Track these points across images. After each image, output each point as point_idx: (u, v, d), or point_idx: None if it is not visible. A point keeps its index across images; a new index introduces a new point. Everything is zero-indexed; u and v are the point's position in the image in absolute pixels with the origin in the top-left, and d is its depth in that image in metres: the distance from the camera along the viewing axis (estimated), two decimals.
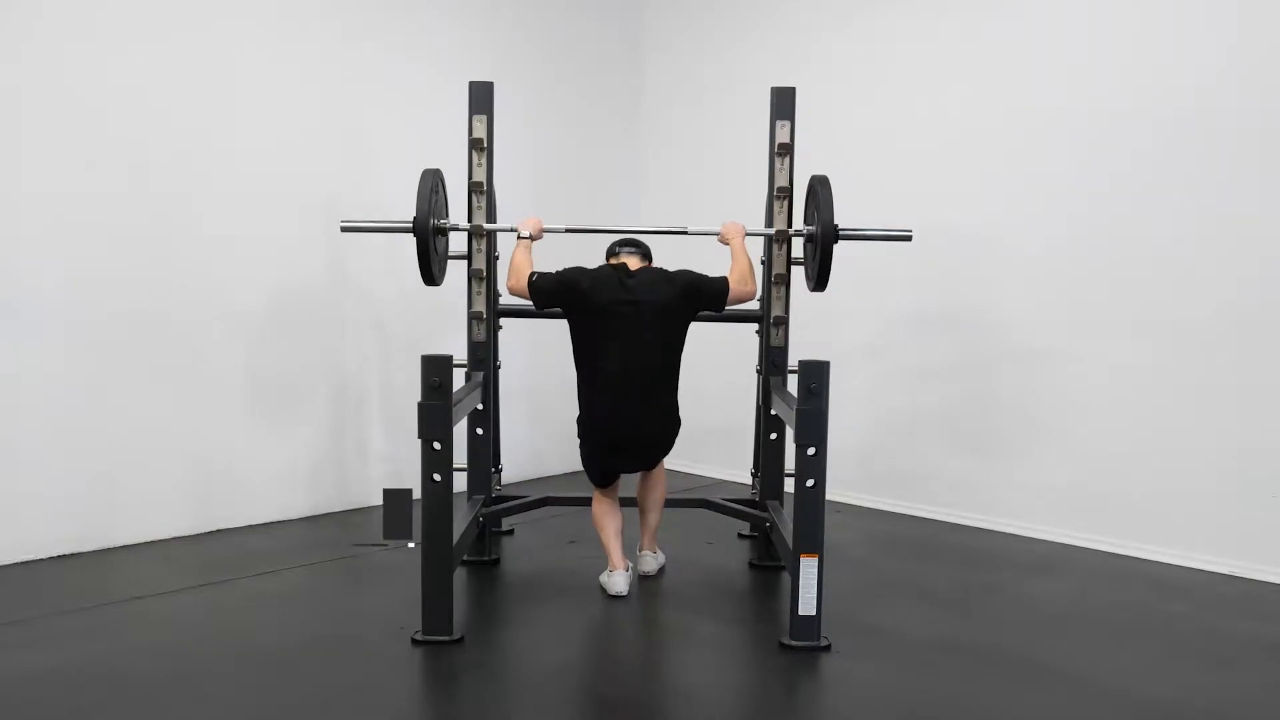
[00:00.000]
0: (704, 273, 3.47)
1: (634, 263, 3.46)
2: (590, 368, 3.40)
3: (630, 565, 3.57)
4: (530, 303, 3.48)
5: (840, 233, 3.47)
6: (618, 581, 3.46)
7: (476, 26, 5.18)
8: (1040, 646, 3.05)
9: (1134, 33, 4.10)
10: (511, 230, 3.52)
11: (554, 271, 3.44)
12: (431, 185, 3.49)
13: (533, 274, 3.41)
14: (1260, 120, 3.77)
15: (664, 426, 3.46)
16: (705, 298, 3.42)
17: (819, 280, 3.57)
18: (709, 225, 3.52)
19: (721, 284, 3.42)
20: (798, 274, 3.86)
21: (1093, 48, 4.22)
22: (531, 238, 3.49)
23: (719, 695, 2.77)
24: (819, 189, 3.52)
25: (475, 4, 5.20)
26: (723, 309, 3.47)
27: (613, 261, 3.48)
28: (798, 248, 3.85)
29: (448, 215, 3.74)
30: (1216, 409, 3.91)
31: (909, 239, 3.65)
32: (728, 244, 3.53)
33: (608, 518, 3.56)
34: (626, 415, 3.36)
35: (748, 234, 3.53)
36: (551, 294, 3.41)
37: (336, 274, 4.64)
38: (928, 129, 4.71)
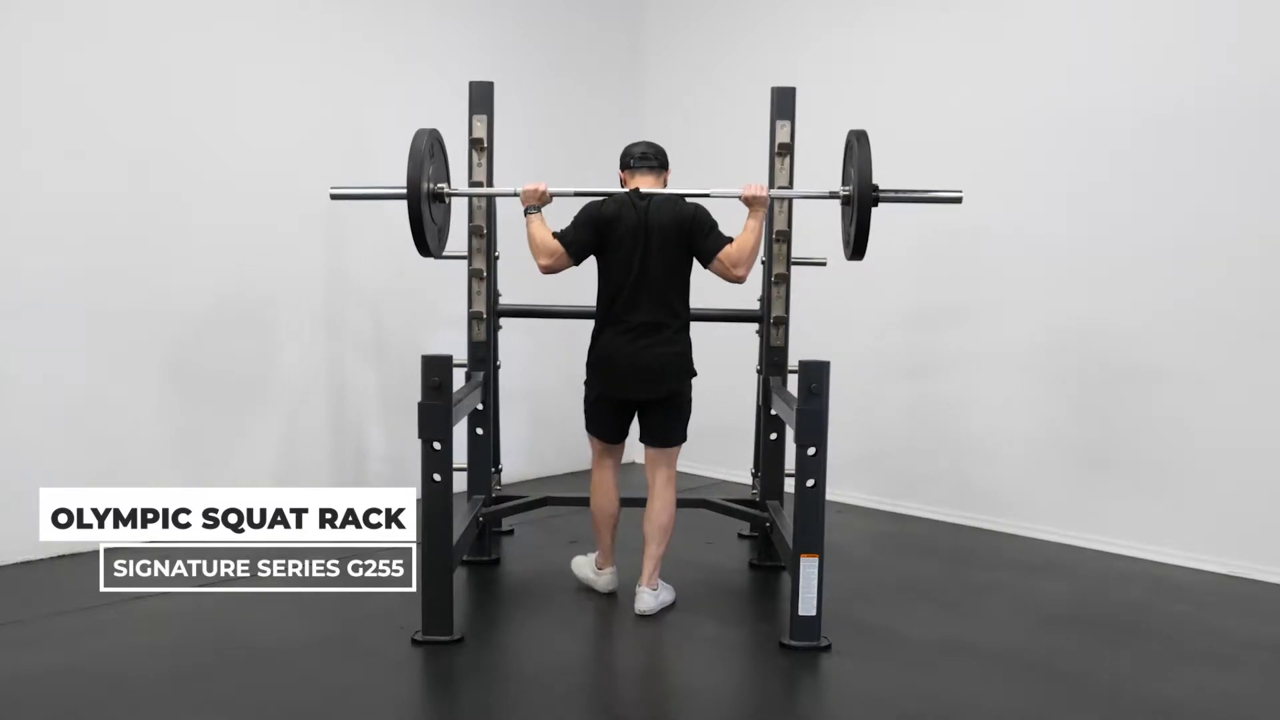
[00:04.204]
0: (719, 227, 3.24)
1: (648, 181, 3.26)
2: (607, 298, 3.25)
3: (615, 567, 3.47)
4: (559, 270, 3.24)
5: (880, 194, 3.13)
6: (605, 580, 3.42)
7: (476, 26, 5.18)
8: (1040, 646, 3.05)
9: (1134, 31, 4.10)
10: (514, 194, 3.30)
11: (571, 223, 3.25)
12: (427, 146, 3.20)
13: (555, 235, 3.20)
14: (1261, 119, 3.77)
15: (671, 354, 3.23)
16: (696, 242, 3.21)
17: (856, 247, 3.19)
18: (723, 208, 3.29)
19: (718, 246, 3.18)
20: (798, 273, 3.86)
21: (1093, 47, 4.21)
22: (540, 208, 3.23)
23: (719, 695, 2.77)
24: (855, 145, 3.16)
25: (475, 4, 5.20)
26: (705, 267, 3.23)
27: (626, 183, 3.28)
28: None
29: (449, 181, 3.49)
30: (1217, 408, 3.90)
31: (959, 200, 3.26)
32: (748, 206, 3.18)
33: (607, 507, 3.41)
34: (633, 338, 3.20)
35: (773, 196, 3.23)
36: (586, 242, 3.21)
37: (337, 273, 4.64)
38: (928, 128, 4.70)
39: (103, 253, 3.86)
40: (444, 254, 3.86)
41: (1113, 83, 4.15)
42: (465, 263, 3.85)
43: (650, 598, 3.30)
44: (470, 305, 3.85)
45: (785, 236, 3.79)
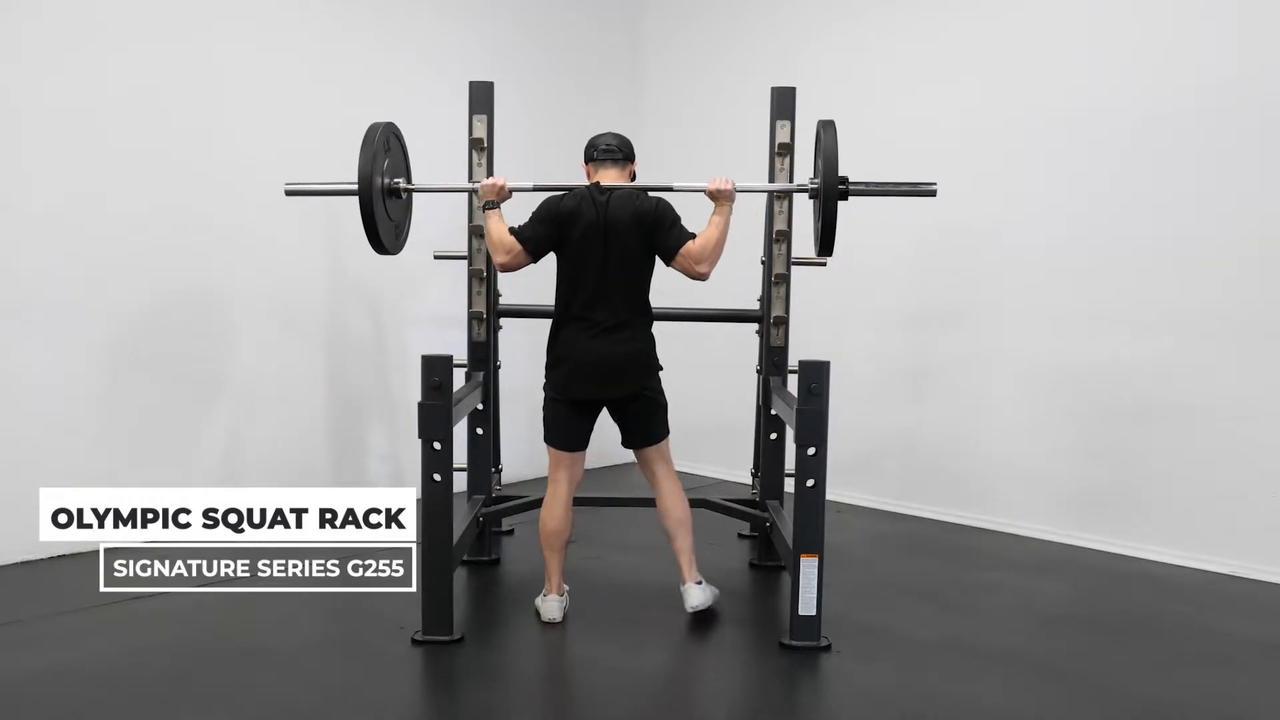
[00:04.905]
0: (682, 222, 3.10)
1: (611, 175, 3.14)
2: (566, 295, 3.13)
3: (567, 590, 3.31)
4: (517, 268, 3.14)
5: (850, 187, 3.00)
6: (552, 608, 3.20)
7: (476, 26, 5.18)
8: (1040, 646, 3.05)
9: (1135, 31, 4.10)
10: (473, 190, 3.20)
11: (529, 219, 3.13)
12: (381, 140, 3.08)
13: (512, 230, 3.09)
14: (1262, 119, 3.77)
15: (633, 351, 3.12)
16: (657, 239, 3.06)
17: (823, 243, 3.06)
18: (703, 210, 3.13)
19: (680, 242, 3.03)
20: (798, 273, 3.86)
21: (1094, 48, 4.21)
22: (499, 203, 3.12)
23: (719, 695, 2.77)
24: (821, 134, 3.01)
25: (475, 4, 5.21)
26: (667, 264, 3.10)
27: (590, 176, 3.17)
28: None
29: (408, 175, 3.36)
30: (1218, 407, 3.90)
31: (933, 194, 3.16)
32: (714, 200, 3.07)
33: (555, 527, 3.22)
34: (594, 335, 3.08)
35: (740, 190, 3.12)
36: (543, 238, 3.08)
37: (336, 274, 4.64)
38: (929, 128, 4.70)
39: (103, 252, 3.86)
40: (444, 254, 3.87)
41: (1113, 83, 4.14)
42: (465, 263, 3.85)
43: (698, 592, 3.21)
44: (470, 305, 3.85)
45: (785, 236, 3.79)
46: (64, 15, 3.72)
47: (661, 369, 3.25)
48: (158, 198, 4.00)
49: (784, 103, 3.78)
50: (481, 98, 3.78)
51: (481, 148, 3.76)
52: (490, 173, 3.77)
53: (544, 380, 3.26)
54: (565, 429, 3.22)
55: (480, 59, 4.89)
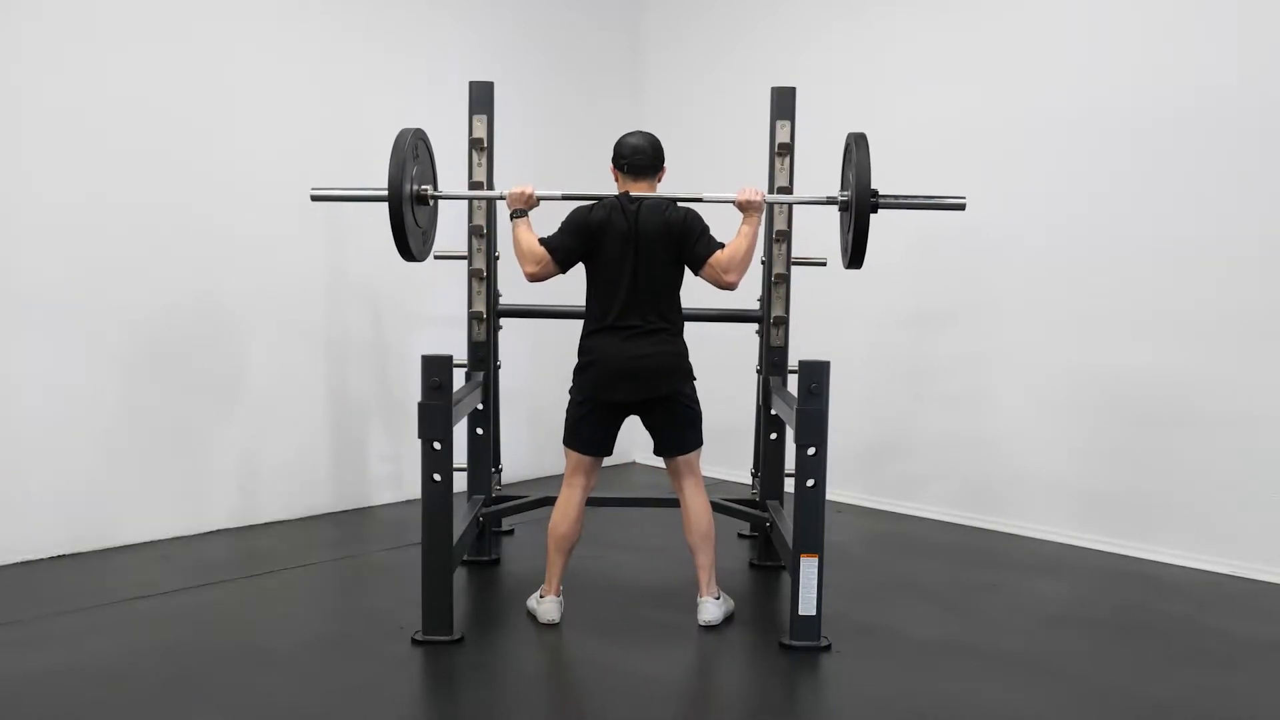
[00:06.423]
0: (710, 231, 3.11)
1: (640, 186, 3.13)
2: (599, 306, 3.11)
3: (562, 591, 3.26)
4: (546, 278, 3.12)
5: (881, 200, 3.02)
6: (546, 608, 3.19)
7: (476, 26, 5.19)
8: (1040, 646, 3.05)
9: (1135, 32, 4.10)
10: (501, 198, 3.22)
11: (559, 229, 3.12)
12: (410, 146, 3.07)
13: (542, 241, 3.07)
14: (1261, 121, 3.77)
15: (667, 353, 3.09)
16: (685, 249, 3.07)
17: (854, 255, 3.09)
18: (720, 207, 3.16)
19: (708, 252, 3.05)
20: (798, 273, 3.86)
21: (1094, 49, 4.21)
22: (527, 212, 3.13)
23: (719, 695, 2.77)
24: (854, 148, 3.03)
25: (475, 4, 5.21)
26: (695, 274, 3.12)
27: (619, 182, 3.18)
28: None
29: (435, 182, 3.37)
30: (1217, 407, 3.91)
31: (962, 208, 3.14)
32: (743, 211, 3.08)
33: (565, 529, 3.19)
34: (626, 338, 3.05)
35: (770, 201, 3.10)
36: (572, 249, 3.08)
37: (337, 273, 4.64)
38: (929, 128, 4.70)
39: (102, 253, 3.86)
40: (444, 254, 3.86)
41: (1114, 84, 4.14)
42: (465, 263, 3.85)
43: (713, 607, 3.19)
44: (470, 305, 3.85)
45: (785, 236, 3.79)
46: (64, 15, 3.72)
47: (695, 378, 3.22)
48: (158, 198, 4.00)
49: (784, 103, 3.79)
50: (481, 98, 3.78)
51: (481, 148, 3.76)
52: (490, 173, 3.77)
53: (570, 384, 3.22)
54: (589, 433, 3.18)
55: (480, 59, 4.90)
